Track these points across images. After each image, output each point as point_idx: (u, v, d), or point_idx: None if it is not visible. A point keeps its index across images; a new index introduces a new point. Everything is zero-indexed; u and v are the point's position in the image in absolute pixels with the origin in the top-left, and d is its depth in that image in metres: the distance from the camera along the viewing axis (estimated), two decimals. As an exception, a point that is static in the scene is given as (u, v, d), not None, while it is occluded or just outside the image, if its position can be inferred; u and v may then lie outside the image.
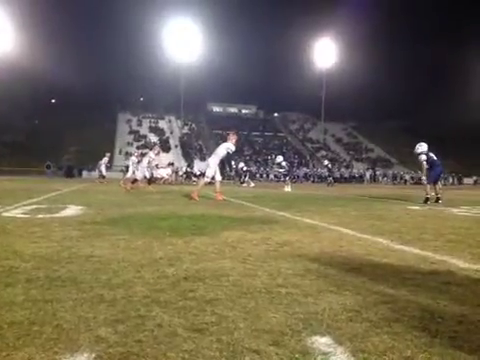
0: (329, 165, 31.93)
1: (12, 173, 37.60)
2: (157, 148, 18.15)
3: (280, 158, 21.55)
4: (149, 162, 16.08)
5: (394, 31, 78.29)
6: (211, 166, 10.18)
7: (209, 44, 63.86)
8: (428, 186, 10.52)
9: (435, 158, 10.81)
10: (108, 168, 28.57)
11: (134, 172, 17.19)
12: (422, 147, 10.83)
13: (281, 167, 21.54)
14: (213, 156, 10.37)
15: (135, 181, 16.15)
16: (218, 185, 10.36)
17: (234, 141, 10.30)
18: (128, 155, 49.72)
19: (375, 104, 75.63)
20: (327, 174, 32.02)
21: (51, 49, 62.11)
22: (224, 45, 70.92)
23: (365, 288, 2.39)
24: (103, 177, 25.16)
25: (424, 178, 10.81)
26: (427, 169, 10.69)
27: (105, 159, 25.44)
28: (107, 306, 2.02)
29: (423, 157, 10.69)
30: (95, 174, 35.29)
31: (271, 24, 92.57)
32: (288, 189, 18.47)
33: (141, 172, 16.07)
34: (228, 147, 10.19)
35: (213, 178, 10.30)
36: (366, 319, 1.90)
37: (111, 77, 73.60)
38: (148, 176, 16.11)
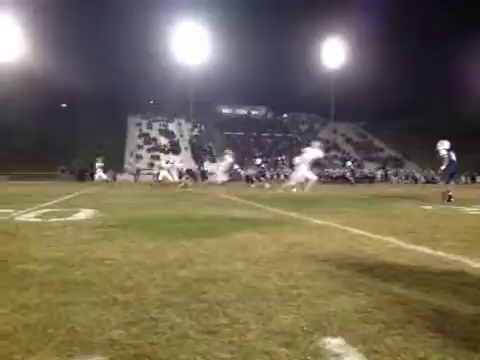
0: (351, 166, 31.98)
1: (24, 178, 37.99)
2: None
3: (298, 160, 21.19)
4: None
5: (404, 29, 77.64)
6: (299, 171, 10.99)
7: (217, 46, 64.02)
8: (447, 184, 10.76)
9: (454, 158, 10.95)
10: (106, 171, 28.73)
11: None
12: (443, 145, 11.04)
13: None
14: (299, 162, 11.15)
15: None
16: (310, 184, 11.42)
17: (316, 147, 11.11)
18: (138, 158, 50.20)
19: (385, 103, 75.05)
20: (349, 175, 32.02)
21: (61, 54, 62.80)
22: (232, 46, 70.83)
23: (377, 289, 2.38)
24: (106, 181, 25.85)
25: (442, 168, 11.07)
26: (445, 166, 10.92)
27: (98, 164, 26.10)
28: (120, 309, 2.03)
29: (443, 152, 10.89)
30: (106, 178, 35.57)
31: (279, 25, 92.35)
32: (306, 190, 18.21)
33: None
34: (313, 153, 10.97)
35: (306, 179, 11.11)
36: (379, 320, 1.89)
37: (120, 81, 73.98)
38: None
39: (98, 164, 26.18)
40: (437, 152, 11.01)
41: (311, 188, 12.36)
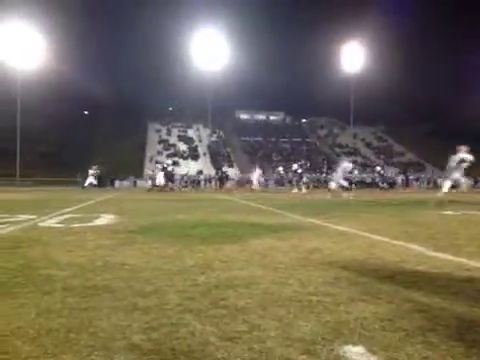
0: (381, 171, 31.46)
1: (46, 183, 38.74)
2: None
3: (349, 165, 19.06)
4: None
5: (424, 33, 76.68)
6: (451, 178, 11.79)
7: (235, 52, 64.36)
8: None
9: None
10: (96, 178, 29.76)
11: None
12: None
13: (349, 173, 19.50)
14: (450, 170, 12.00)
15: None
16: (465, 187, 12.26)
17: (464, 151, 11.55)
18: (157, 164, 50.63)
19: (405, 107, 74.22)
20: (379, 180, 31.63)
21: (82, 63, 64.07)
22: (250, 52, 71.20)
23: (398, 296, 2.35)
24: (88, 186, 27.20)
25: None
26: None
27: (91, 171, 27.57)
28: (141, 314, 2.06)
29: None
30: (127, 183, 36.29)
31: (297, 30, 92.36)
32: (351, 197, 16.41)
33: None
34: (462, 157, 11.39)
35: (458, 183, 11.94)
36: (400, 328, 1.86)
37: (140, 88, 75.06)
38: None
39: (91, 171, 27.81)
40: None
41: (466, 190, 13.52)
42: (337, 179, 17.13)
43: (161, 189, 24.40)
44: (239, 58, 65.78)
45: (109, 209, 9.41)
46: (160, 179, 24.95)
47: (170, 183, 26.32)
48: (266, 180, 47.90)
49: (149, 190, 24.38)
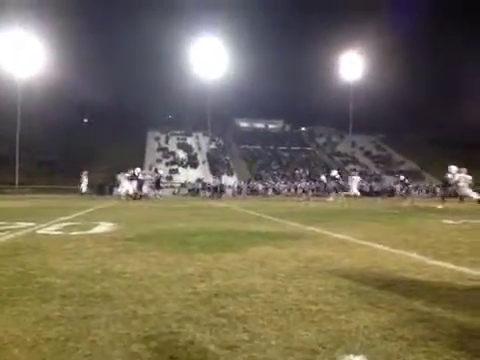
0: (406, 180, 30.69)
1: (45, 191, 38.68)
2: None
3: (454, 168, 17.81)
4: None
5: (423, 42, 77.16)
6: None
7: (235, 60, 64.51)
8: None
9: None
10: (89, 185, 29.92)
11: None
12: None
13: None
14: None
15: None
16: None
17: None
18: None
19: (404, 115, 74.48)
20: (400, 189, 31.20)
21: (82, 71, 64.40)
22: (250, 61, 71.30)
23: (399, 305, 2.33)
24: (83, 194, 27.39)
25: None
26: None
27: (83, 177, 27.93)
28: (140, 322, 2.04)
29: None
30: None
31: (297, 38, 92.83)
32: (440, 206, 15.91)
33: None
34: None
35: None
36: (401, 337, 1.85)
37: (140, 96, 75.28)
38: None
39: (83, 177, 28.23)
40: None
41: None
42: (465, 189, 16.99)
43: (132, 198, 23.52)
44: (238, 66, 65.96)
45: (108, 217, 9.39)
46: (127, 188, 24.08)
47: (152, 191, 26.14)
48: (266, 188, 47.94)
49: (128, 199, 23.30)
